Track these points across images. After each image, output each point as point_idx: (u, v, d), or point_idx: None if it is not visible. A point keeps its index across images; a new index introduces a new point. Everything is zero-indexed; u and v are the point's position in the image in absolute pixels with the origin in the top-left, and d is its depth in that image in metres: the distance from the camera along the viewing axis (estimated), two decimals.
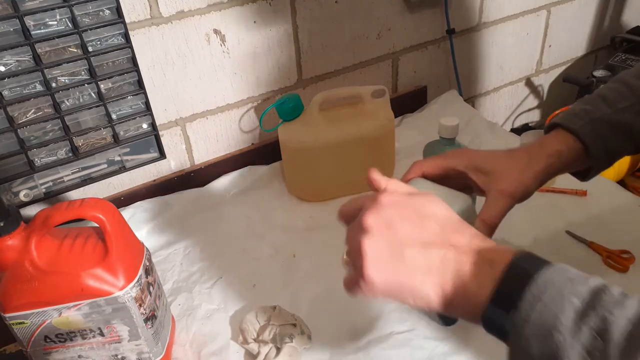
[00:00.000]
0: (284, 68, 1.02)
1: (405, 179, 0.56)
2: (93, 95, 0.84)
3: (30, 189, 0.86)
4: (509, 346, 0.36)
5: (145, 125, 0.91)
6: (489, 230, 0.51)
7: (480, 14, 1.23)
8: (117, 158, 0.92)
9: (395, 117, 0.99)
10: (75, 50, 0.80)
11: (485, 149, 0.59)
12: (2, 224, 0.54)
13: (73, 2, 0.76)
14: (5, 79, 0.77)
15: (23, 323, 0.57)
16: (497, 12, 1.25)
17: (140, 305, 0.59)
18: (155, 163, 0.96)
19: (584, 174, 0.60)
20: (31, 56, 0.77)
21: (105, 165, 0.92)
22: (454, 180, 0.55)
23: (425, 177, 0.56)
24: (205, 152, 1.02)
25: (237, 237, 0.88)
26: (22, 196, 0.85)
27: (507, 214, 0.52)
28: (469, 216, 0.48)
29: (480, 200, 0.56)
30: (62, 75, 0.81)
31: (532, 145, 0.56)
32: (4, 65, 0.76)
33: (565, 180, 0.77)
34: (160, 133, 0.94)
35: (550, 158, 0.54)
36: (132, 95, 0.87)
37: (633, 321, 0.31)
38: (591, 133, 0.54)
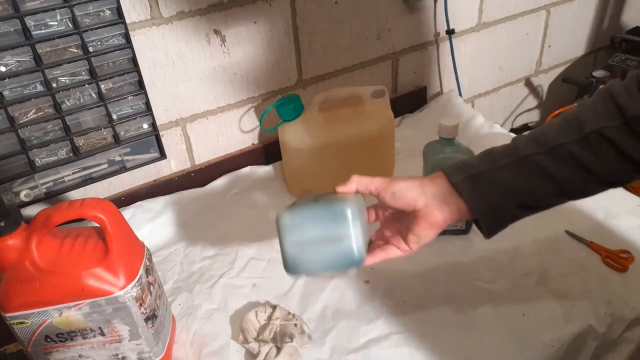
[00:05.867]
0: (284, 68, 1.02)
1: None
2: (93, 95, 0.85)
3: (31, 189, 0.86)
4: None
5: (145, 126, 0.91)
6: None
7: (480, 15, 1.23)
8: (118, 158, 0.92)
9: (395, 117, 0.99)
10: (76, 50, 0.80)
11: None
12: (2, 224, 0.54)
13: (73, 3, 0.76)
14: (5, 79, 0.77)
15: (24, 323, 0.57)
16: (496, 13, 1.26)
17: (140, 304, 0.59)
18: (155, 163, 0.96)
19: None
20: (32, 56, 0.77)
21: (106, 165, 0.92)
22: None
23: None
24: (206, 152, 1.03)
25: (237, 237, 0.88)
26: (23, 196, 0.85)
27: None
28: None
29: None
30: (62, 76, 0.81)
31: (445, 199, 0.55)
32: (4, 66, 0.76)
33: None
34: (161, 133, 0.94)
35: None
36: (133, 96, 0.87)
37: None
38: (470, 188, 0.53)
